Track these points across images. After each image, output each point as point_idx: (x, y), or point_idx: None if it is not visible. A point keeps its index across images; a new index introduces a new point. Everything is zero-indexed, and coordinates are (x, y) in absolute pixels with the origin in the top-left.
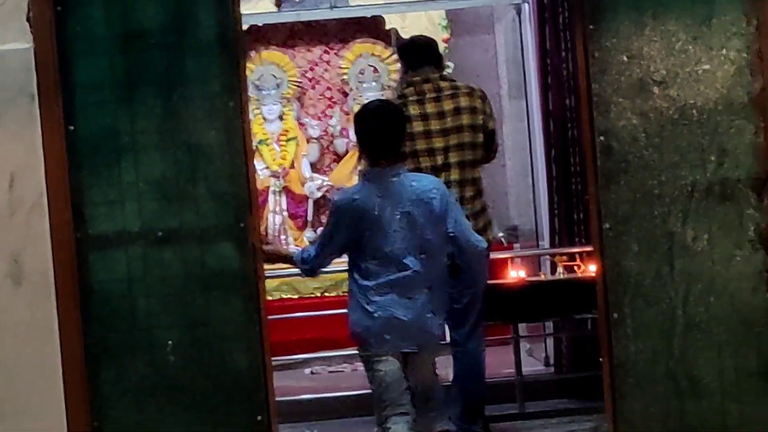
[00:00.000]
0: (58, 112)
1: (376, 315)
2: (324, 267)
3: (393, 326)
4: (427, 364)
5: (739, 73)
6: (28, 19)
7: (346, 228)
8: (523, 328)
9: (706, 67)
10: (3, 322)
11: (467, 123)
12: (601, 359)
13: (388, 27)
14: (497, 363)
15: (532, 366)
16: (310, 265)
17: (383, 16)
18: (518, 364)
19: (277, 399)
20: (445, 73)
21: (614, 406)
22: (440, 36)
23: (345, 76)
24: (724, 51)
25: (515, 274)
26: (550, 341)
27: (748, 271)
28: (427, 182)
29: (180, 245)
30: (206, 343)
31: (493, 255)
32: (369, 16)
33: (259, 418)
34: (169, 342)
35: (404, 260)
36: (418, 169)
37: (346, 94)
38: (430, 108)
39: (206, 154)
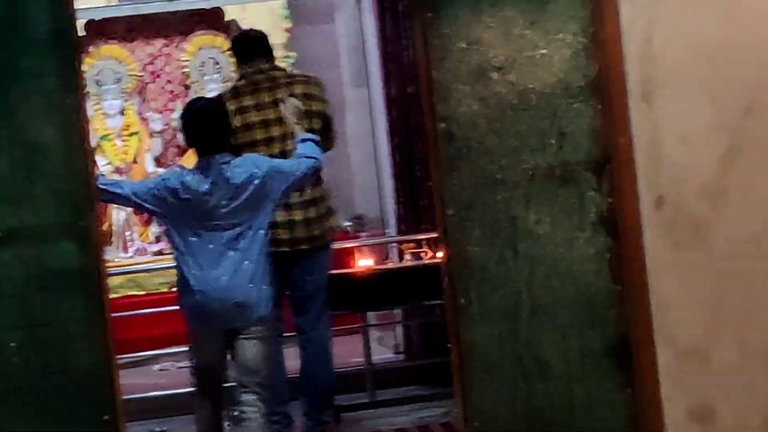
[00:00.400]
0: None
1: (195, 291)
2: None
3: (211, 306)
4: (255, 347)
5: (576, 56)
6: None
7: (166, 200)
8: (373, 316)
9: (544, 51)
10: None
11: (304, 110)
12: (449, 345)
13: (228, 19)
14: (348, 352)
15: (383, 354)
16: (120, 192)
17: (222, 7)
18: (367, 352)
19: (126, 397)
20: (278, 63)
21: (463, 391)
22: (281, 26)
23: (186, 69)
24: (561, 35)
25: (363, 262)
26: (400, 329)
27: (591, 253)
28: (250, 162)
29: (19, 245)
30: (49, 344)
31: (340, 244)
32: (209, 8)
33: (105, 417)
34: (12, 344)
35: (228, 237)
36: (253, 142)
37: (188, 87)
38: (265, 98)
39: (44, 152)
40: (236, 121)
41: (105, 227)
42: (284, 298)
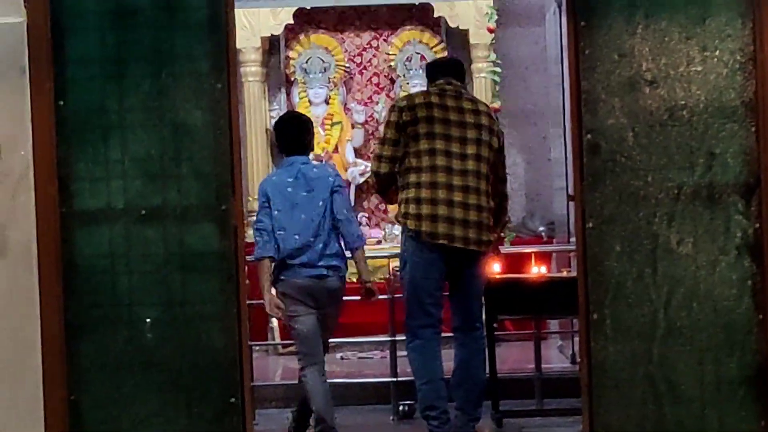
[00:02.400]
0: (49, 86)
1: (290, 279)
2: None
3: (304, 287)
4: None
5: (732, 75)
6: None
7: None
8: (557, 324)
9: (699, 68)
10: None
11: (485, 124)
12: (578, 360)
13: (436, 15)
14: (525, 358)
15: (561, 363)
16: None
17: (432, 3)
18: (538, 360)
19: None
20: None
21: (590, 408)
22: (487, 25)
23: (392, 63)
24: (717, 53)
25: (535, 269)
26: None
27: (733, 277)
28: (325, 167)
29: (162, 224)
30: (184, 322)
31: (516, 249)
32: (418, 3)
33: (232, 400)
34: (148, 319)
35: (307, 230)
36: (433, 150)
37: (393, 81)
38: (449, 102)
39: (191, 134)
40: (419, 112)
41: None
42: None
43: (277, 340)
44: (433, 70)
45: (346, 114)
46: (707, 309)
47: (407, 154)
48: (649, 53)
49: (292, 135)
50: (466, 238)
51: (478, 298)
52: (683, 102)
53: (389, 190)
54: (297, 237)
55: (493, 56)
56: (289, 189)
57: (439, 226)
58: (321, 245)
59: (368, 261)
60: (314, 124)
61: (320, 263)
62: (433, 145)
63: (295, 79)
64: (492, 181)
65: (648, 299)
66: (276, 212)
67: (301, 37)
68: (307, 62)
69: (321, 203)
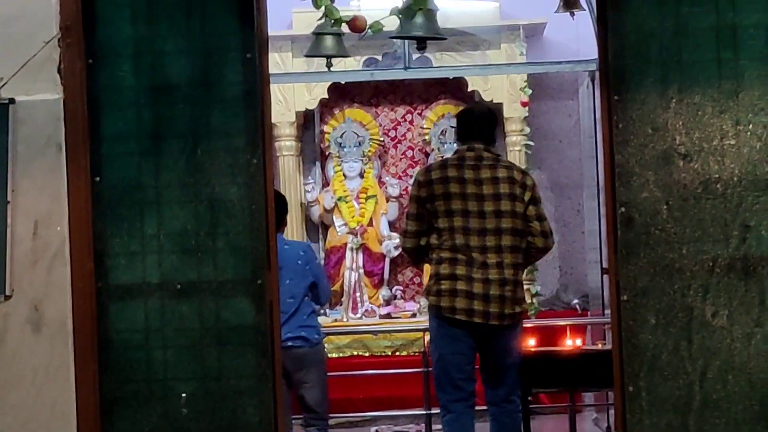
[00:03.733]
0: (85, 163)
1: None
2: None
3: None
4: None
5: (766, 149)
6: (59, 71)
7: None
8: (591, 397)
9: (732, 141)
10: (21, 368)
11: (508, 192)
12: None
13: (470, 89)
14: (560, 431)
15: None
16: None
17: (466, 78)
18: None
19: None
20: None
21: None
22: (521, 99)
23: (427, 137)
24: (751, 126)
25: (569, 342)
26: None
27: None
28: (297, 245)
29: (197, 298)
30: (219, 397)
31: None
32: (451, 77)
33: None
34: (183, 394)
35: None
36: (452, 228)
37: (427, 155)
38: (468, 173)
39: (227, 209)
40: (437, 189)
41: (336, 287)
42: (476, 372)
43: None
44: (460, 130)
45: (380, 187)
46: (743, 381)
47: (431, 229)
48: (682, 127)
49: None
50: (486, 313)
51: (510, 371)
52: (717, 175)
53: (425, 262)
54: None
55: (527, 130)
56: None
57: (458, 302)
58: (288, 319)
59: (404, 334)
60: (349, 198)
61: (285, 336)
62: (451, 223)
63: (329, 153)
64: (524, 241)
65: (683, 372)
66: None
67: (336, 111)
68: (341, 136)
69: (288, 281)
